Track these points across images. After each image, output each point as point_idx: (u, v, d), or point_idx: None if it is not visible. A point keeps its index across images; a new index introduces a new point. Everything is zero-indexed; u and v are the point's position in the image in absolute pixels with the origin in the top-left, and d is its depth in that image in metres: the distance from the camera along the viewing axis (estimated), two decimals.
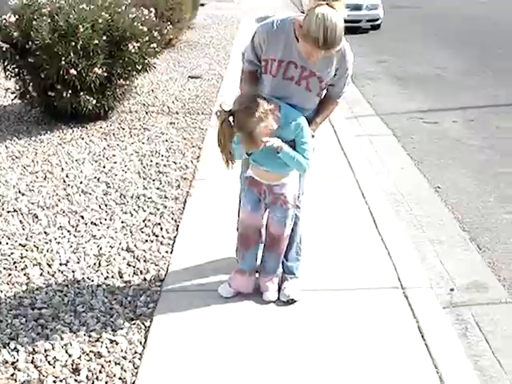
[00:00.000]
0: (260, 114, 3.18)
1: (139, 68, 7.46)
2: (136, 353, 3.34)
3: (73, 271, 4.15)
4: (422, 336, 3.41)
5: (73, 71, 6.76)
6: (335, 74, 3.43)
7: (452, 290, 4.11)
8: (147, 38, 7.33)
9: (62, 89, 6.93)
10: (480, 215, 5.26)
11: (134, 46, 7.10)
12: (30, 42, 6.85)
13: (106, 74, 7.04)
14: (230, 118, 3.24)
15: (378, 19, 17.03)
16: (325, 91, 3.52)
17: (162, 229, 4.72)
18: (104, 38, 6.95)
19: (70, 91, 6.92)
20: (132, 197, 5.29)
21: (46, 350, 3.36)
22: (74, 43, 6.73)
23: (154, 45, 7.48)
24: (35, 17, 6.93)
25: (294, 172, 3.55)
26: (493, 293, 4.11)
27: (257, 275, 3.84)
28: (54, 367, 3.23)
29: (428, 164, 6.48)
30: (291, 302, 3.73)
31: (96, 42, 6.84)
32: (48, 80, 6.96)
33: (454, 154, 6.79)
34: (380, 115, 8.40)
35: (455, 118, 8.17)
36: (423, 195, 5.68)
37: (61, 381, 3.14)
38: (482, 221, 5.16)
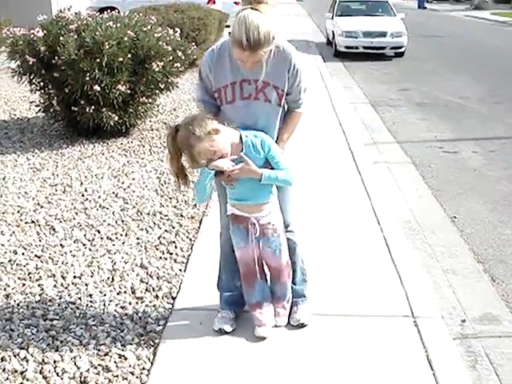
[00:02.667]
0: (200, 133, 3.07)
1: (162, 87, 7.57)
2: (144, 369, 3.35)
3: (86, 284, 4.20)
4: (431, 366, 3.38)
5: (97, 87, 6.87)
6: (288, 78, 3.31)
7: (464, 321, 4.08)
8: (171, 58, 7.44)
9: (85, 104, 7.05)
10: (495, 246, 5.23)
11: (157, 65, 7.21)
12: (56, 57, 7.00)
13: (129, 92, 7.17)
14: (178, 133, 3.16)
15: (402, 47, 17.10)
16: (284, 102, 3.41)
17: (176, 247, 4.75)
18: (129, 55, 7.07)
19: (93, 107, 7.04)
20: (148, 214, 5.34)
21: (55, 361, 3.39)
22: (99, 60, 6.86)
23: (178, 64, 7.58)
24: (62, 32, 7.09)
25: (273, 198, 3.46)
26: (505, 326, 4.06)
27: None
28: (62, 379, 3.25)
29: (446, 193, 6.47)
30: (301, 326, 3.70)
31: (121, 59, 6.95)
32: (72, 95, 7.09)
33: (473, 185, 6.76)
34: (399, 143, 8.41)
35: (475, 148, 8.15)
36: (439, 224, 5.66)
37: None
38: (496, 253, 5.13)
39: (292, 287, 3.76)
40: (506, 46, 19.36)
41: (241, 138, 3.28)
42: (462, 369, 3.46)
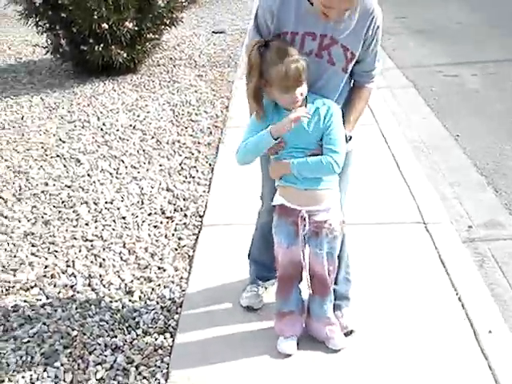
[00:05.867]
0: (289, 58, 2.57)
1: (167, 22, 7.70)
2: (182, 278, 3.68)
3: (118, 208, 4.49)
4: (444, 265, 3.71)
5: (104, 25, 7.01)
6: (365, 41, 2.73)
7: (470, 227, 4.39)
8: None
9: (94, 43, 7.19)
10: (497, 161, 5.50)
11: (162, 1, 7.33)
12: None
13: (136, 28, 7.29)
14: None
15: None
16: (351, 67, 2.81)
17: (197, 171, 5.04)
18: None
19: (101, 45, 7.18)
20: (167, 143, 5.61)
21: (100, 275, 3.71)
22: None
23: None
24: None
25: (336, 184, 2.86)
26: (508, 230, 4.38)
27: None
28: (109, 290, 3.59)
29: (447, 114, 6.69)
30: (350, 333, 3.13)
31: None
32: (80, 34, 7.22)
33: (473, 106, 6.99)
34: (400, 68, 8.58)
35: (474, 72, 8.34)
36: (443, 143, 5.92)
37: (116, 301, 3.49)
38: (498, 167, 5.40)
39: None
40: None
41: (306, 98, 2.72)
42: (472, 266, 3.79)
